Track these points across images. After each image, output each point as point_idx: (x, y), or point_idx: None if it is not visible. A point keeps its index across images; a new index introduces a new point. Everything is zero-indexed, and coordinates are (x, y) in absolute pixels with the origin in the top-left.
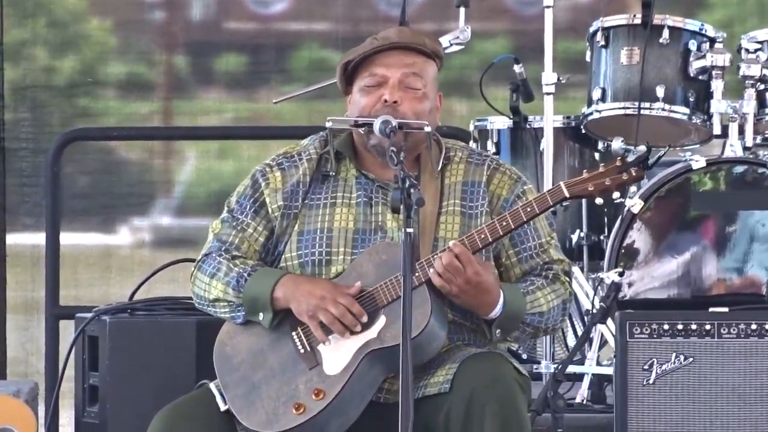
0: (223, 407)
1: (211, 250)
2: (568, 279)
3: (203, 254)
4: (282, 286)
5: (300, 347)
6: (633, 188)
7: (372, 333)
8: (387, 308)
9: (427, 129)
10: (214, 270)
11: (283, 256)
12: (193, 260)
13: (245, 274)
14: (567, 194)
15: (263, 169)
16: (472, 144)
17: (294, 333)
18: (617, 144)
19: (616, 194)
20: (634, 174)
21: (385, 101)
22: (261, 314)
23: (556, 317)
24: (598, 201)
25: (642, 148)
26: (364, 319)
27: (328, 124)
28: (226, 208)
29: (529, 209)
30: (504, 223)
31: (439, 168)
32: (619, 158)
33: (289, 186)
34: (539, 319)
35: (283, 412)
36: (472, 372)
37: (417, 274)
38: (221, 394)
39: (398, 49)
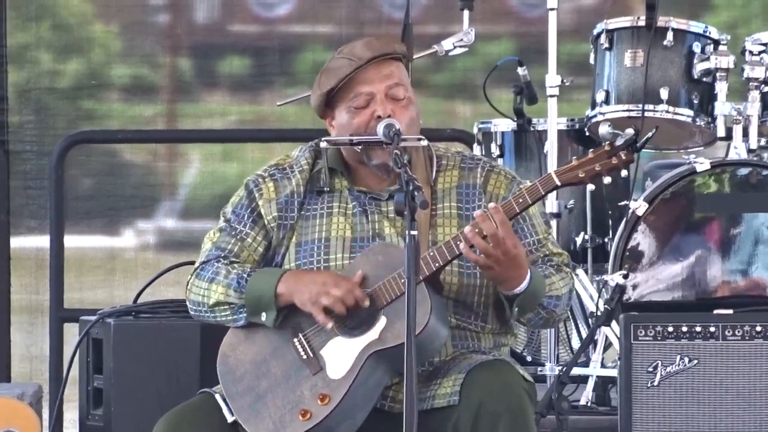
0: (230, 419)
1: (209, 257)
2: (568, 270)
3: (201, 262)
4: (284, 282)
5: (302, 353)
6: (630, 181)
7: (373, 334)
8: (387, 308)
9: (423, 143)
10: (213, 275)
11: (281, 267)
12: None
13: (245, 275)
14: (558, 182)
15: (256, 180)
16: (476, 147)
17: (295, 339)
18: (604, 129)
19: (607, 179)
20: (623, 158)
21: (379, 117)
22: (264, 314)
23: (565, 305)
24: (590, 187)
25: (630, 131)
26: (366, 303)
27: (323, 145)
28: (222, 218)
29: (521, 200)
30: None
31: (434, 174)
32: (607, 143)
33: (282, 197)
34: (555, 303)
35: (290, 420)
36: (480, 382)
37: None
38: (227, 405)
39: (374, 61)
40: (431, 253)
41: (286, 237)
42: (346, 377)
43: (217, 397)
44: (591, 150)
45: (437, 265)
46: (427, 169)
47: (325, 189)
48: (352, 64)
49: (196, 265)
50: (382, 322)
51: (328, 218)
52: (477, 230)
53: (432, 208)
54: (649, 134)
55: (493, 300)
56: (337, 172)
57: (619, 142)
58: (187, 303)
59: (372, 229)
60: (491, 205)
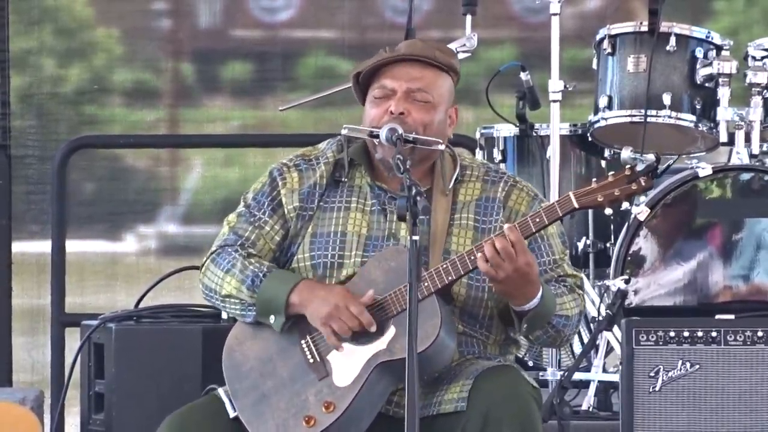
0: (232, 414)
1: (226, 242)
2: (581, 292)
3: (218, 245)
4: (298, 292)
5: (309, 357)
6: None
7: (381, 344)
8: (397, 318)
9: (441, 147)
10: (229, 265)
11: (295, 257)
12: (198, 268)
13: (261, 275)
14: (576, 205)
15: (280, 168)
16: (478, 152)
17: (303, 342)
18: (626, 153)
19: (625, 204)
20: (643, 184)
21: (391, 113)
22: (273, 317)
23: (574, 326)
24: (608, 211)
25: (651, 157)
26: (373, 328)
27: (344, 132)
28: (242, 203)
29: (538, 219)
30: None
31: (452, 183)
32: (628, 168)
33: (305, 188)
34: (564, 323)
35: (293, 425)
36: (487, 388)
37: (426, 283)
38: (230, 401)
39: (409, 61)
40: (444, 266)
41: (304, 227)
42: (352, 386)
43: (220, 391)
44: (611, 173)
45: (450, 278)
46: (444, 177)
47: (343, 179)
48: (384, 55)
49: (213, 247)
50: (391, 331)
51: (345, 212)
52: (493, 245)
53: (450, 217)
54: (670, 162)
55: (498, 313)
56: (359, 166)
57: (640, 167)
58: (200, 285)
59: (388, 229)
60: (507, 225)
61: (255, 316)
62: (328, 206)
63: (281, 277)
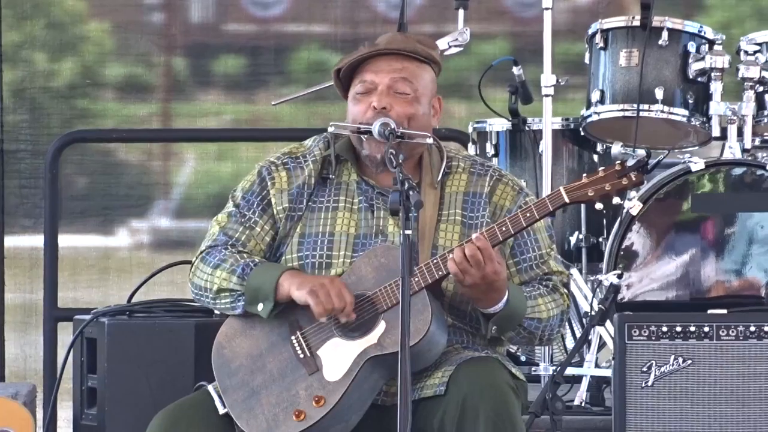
0: (222, 410)
1: (216, 242)
2: (566, 291)
3: (207, 245)
4: (287, 275)
5: (299, 352)
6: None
7: (372, 339)
8: (387, 313)
9: (429, 141)
10: (219, 261)
11: (284, 258)
12: (191, 263)
13: (252, 264)
14: (567, 199)
15: (269, 167)
16: (470, 146)
17: (293, 337)
18: (617, 148)
19: (616, 199)
20: (633, 179)
21: (374, 108)
22: (261, 304)
23: (553, 327)
24: (598, 206)
25: (641, 152)
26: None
27: (331, 129)
28: (231, 202)
29: (528, 214)
30: (503, 229)
31: (440, 177)
32: (618, 163)
33: (294, 188)
34: (537, 325)
35: (283, 419)
36: (466, 376)
37: (417, 278)
38: (220, 397)
39: (389, 54)
40: (435, 261)
41: (293, 228)
42: (343, 380)
43: (210, 388)
44: (601, 168)
45: (441, 273)
46: (433, 170)
47: (331, 176)
48: (363, 51)
49: (202, 247)
50: (381, 326)
51: (333, 212)
52: (462, 251)
53: (438, 212)
54: (661, 156)
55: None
56: (345, 162)
57: (630, 162)
58: (190, 285)
59: (375, 225)
60: (475, 234)
61: (244, 305)
62: (317, 206)
63: (271, 265)
